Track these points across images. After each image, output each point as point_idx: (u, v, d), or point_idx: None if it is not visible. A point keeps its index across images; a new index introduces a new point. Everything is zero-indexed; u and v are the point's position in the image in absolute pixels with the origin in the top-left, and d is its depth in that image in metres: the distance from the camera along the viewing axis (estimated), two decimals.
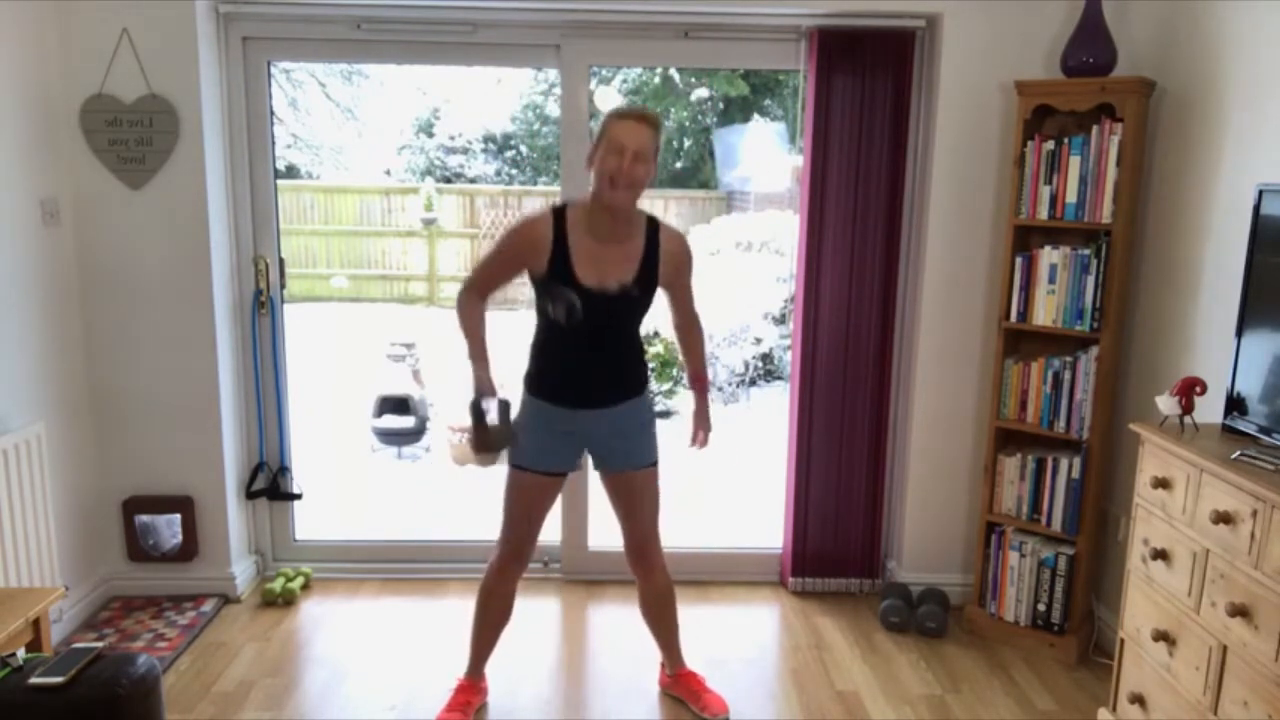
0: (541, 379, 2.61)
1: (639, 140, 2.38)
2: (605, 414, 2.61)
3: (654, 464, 2.71)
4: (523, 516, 2.68)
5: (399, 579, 3.69)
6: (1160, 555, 2.39)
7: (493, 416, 2.42)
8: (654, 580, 2.81)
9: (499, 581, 2.74)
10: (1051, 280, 3.08)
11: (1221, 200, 2.75)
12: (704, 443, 2.85)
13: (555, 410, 2.59)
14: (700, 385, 2.87)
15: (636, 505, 2.72)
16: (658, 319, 6.91)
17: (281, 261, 3.57)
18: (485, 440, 2.44)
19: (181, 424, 3.39)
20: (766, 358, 7.59)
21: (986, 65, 3.25)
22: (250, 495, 3.62)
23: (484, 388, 2.46)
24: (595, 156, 2.43)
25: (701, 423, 2.86)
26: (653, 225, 2.57)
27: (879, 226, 3.40)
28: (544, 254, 2.45)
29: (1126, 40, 3.11)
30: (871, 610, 3.50)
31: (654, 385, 6.48)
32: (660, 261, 2.55)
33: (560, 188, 3.52)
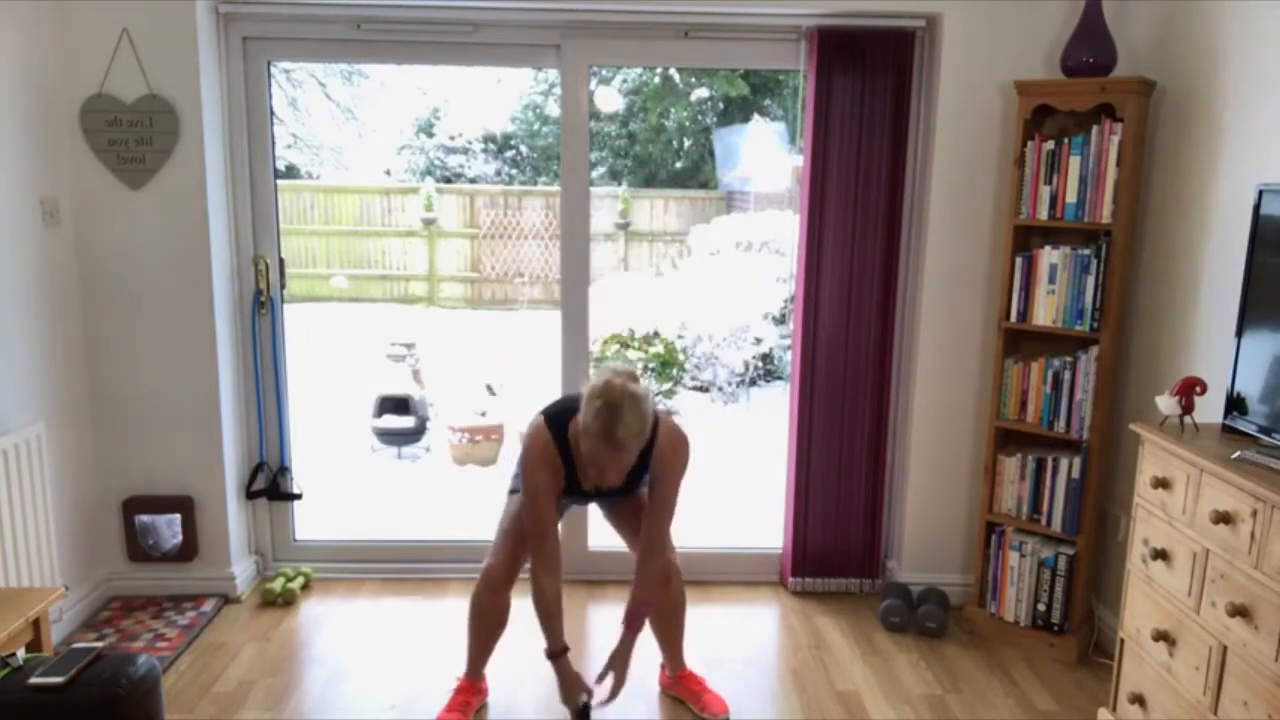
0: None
1: (617, 468, 2.38)
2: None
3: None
4: (520, 527, 2.66)
5: (399, 579, 3.69)
6: (1160, 555, 2.39)
7: None
8: (668, 587, 2.77)
9: (494, 594, 2.71)
10: (1051, 280, 3.08)
11: (1221, 200, 2.75)
12: (614, 693, 2.56)
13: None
14: (631, 623, 2.59)
15: (635, 517, 2.71)
16: (659, 319, 6.91)
17: (281, 261, 3.57)
18: None
19: (181, 424, 3.39)
20: (766, 358, 7.59)
21: (986, 65, 3.25)
22: (250, 495, 3.62)
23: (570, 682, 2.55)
24: (580, 437, 2.37)
25: (617, 665, 2.56)
26: (654, 431, 2.46)
27: (879, 226, 3.40)
28: (561, 472, 2.51)
29: (1126, 40, 3.11)
30: (871, 610, 3.50)
31: (654, 385, 6.53)
32: (652, 459, 2.51)
33: (560, 188, 3.52)
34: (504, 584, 2.70)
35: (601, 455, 2.33)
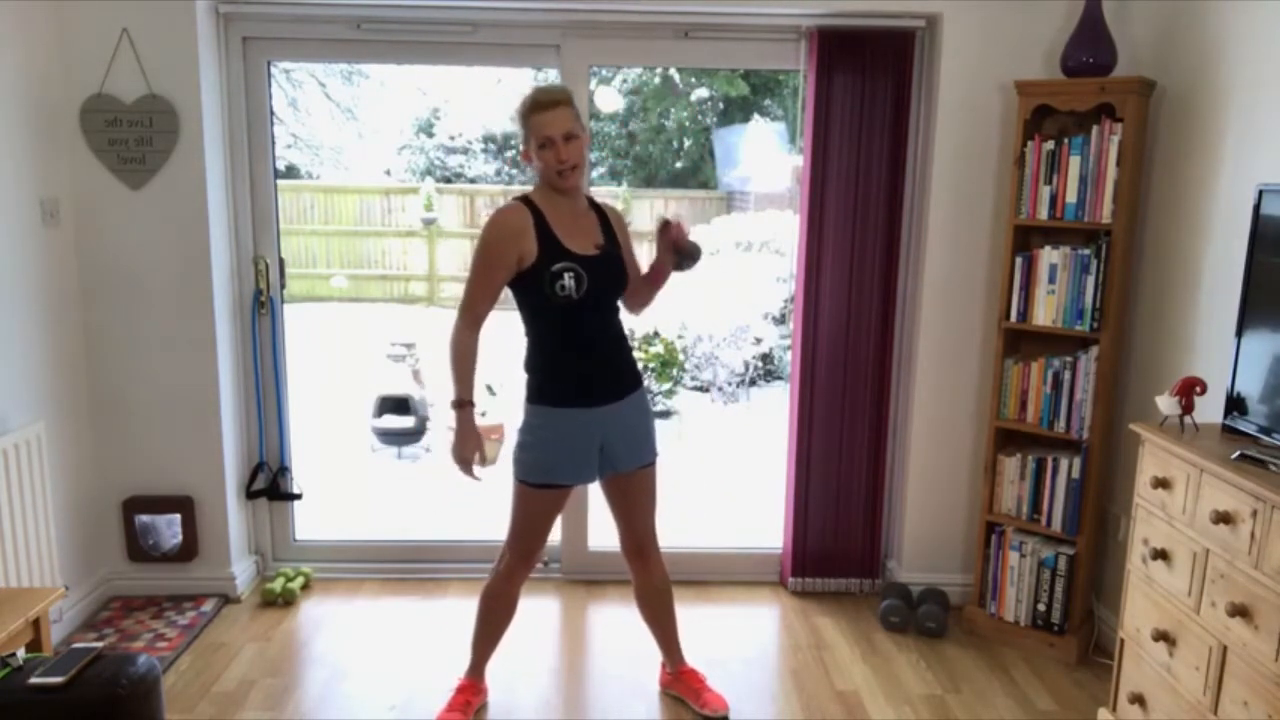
0: (554, 386, 2.59)
1: (562, 124, 2.47)
2: (619, 408, 2.62)
3: (655, 460, 2.73)
4: (535, 527, 2.68)
5: (399, 579, 3.69)
6: (1160, 555, 2.39)
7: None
8: (651, 574, 2.81)
9: (506, 584, 2.74)
10: (1051, 280, 3.08)
11: (1221, 200, 2.75)
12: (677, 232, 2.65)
13: (571, 414, 2.58)
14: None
15: (637, 505, 2.73)
16: (658, 319, 6.92)
17: (281, 261, 3.57)
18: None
19: (181, 424, 3.39)
20: (766, 358, 7.58)
21: (986, 65, 3.25)
22: (250, 495, 3.62)
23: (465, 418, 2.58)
24: (530, 151, 2.54)
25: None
26: (591, 200, 2.69)
27: (879, 226, 3.40)
28: (530, 237, 2.51)
29: (1126, 40, 3.11)
30: (871, 610, 3.50)
31: (653, 385, 6.52)
32: (613, 226, 2.66)
33: None
34: (521, 573, 2.73)
35: (547, 122, 2.45)
